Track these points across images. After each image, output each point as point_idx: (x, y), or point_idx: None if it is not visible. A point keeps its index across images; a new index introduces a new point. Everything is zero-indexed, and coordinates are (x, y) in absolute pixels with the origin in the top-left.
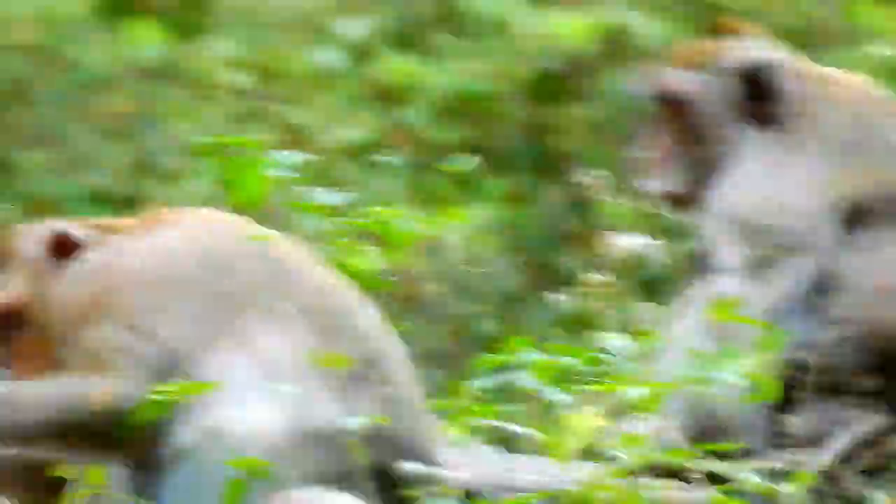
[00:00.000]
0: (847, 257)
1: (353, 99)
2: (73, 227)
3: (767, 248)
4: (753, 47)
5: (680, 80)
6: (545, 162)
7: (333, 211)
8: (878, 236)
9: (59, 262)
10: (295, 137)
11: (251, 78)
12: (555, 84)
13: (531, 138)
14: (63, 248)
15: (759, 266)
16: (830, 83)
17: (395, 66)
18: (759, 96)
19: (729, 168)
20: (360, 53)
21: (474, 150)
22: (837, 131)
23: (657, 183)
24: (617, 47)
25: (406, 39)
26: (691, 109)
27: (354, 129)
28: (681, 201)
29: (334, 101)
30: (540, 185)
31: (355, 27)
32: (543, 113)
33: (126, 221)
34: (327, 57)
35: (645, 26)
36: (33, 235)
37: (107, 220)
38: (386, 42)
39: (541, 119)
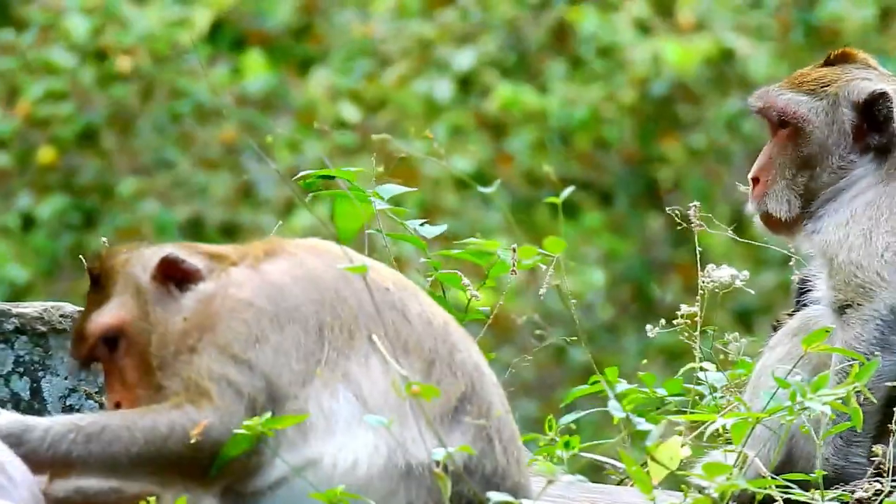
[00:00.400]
0: None
1: (460, 129)
2: (185, 254)
3: (850, 290)
4: (869, 77)
5: (795, 104)
6: (646, 191)
7: (432, 242)
8: None
9: (168, 289)
10: (400, 169)
11: (357, 109)
12: (661, 110)
13: (635, 167)
14: (173, 274)
15: (841, 304)
16: None
17: (504, 95)
18: (873, 127)
19: (835, 199)
20: (469, 83)
21: (578, 182)
22: None
23: (763, 206)
24: (723, 73)
25: (514, 68)
26: (804, 135)
27: (462, 160)
28: (784, 227)
29: (443, 131)
30: (638, 216)
31: (464, 57)
32: (648, 140)
33: (236, 250)
34: (437, 87)
35: (751, 51)
36: (143, 259)
37: (217, 247)
38: (495, 71)
39: (645, 146)
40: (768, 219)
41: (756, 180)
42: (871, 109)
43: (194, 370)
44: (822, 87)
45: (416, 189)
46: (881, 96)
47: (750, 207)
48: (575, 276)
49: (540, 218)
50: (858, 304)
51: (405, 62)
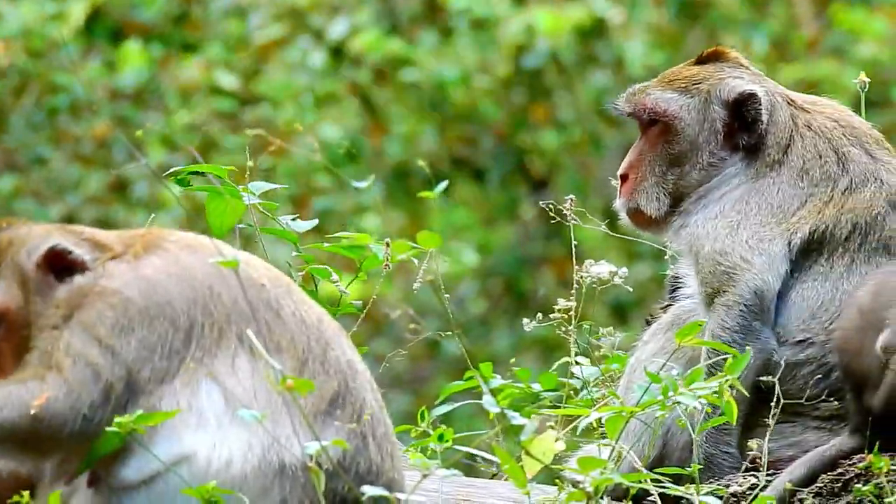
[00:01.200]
0: (807, 285)
1: (333, 98)
2: (72, 243)
3: (716, 280)
4: (741, 76)
5: (666, 102)
6: (518, 168)
7: (304, 237)
8: (837, 263)
9: (49, 279)
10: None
11: (235, 77)
12: (533, 82)
13: (507, 144)
14: (58, 264)
15: (711, 297)
16: (808, 111)
17: (368, 39)
18: (742, 127)
19: (705, 196)
20: (343, 51)
21: (453, 159)
22: (810, 162)
23: (633, 203)
24: (595, 50)
25: (387, 38)
26: (675, 132)
27: (335, 128)
28: (653, 223)
29: (316, 99)
30: (510, 193)
31: (338, 25)
32: (520, 115)
33: (120, 240)
34: (310, 55)
35: (622, 19)
36: (29, 245)
37: (102, 235)
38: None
39: (517, 122)
40: (637, 215)
41: (625, 177)
42: (741, 109)
43: (54, 344)
44: (693, 84)
45: (285, 186)
46: (751, 97)
47: (618, 204)
48: (448, 255)
49: (415, 187)
50: (723, 292)
51: (278, 26)
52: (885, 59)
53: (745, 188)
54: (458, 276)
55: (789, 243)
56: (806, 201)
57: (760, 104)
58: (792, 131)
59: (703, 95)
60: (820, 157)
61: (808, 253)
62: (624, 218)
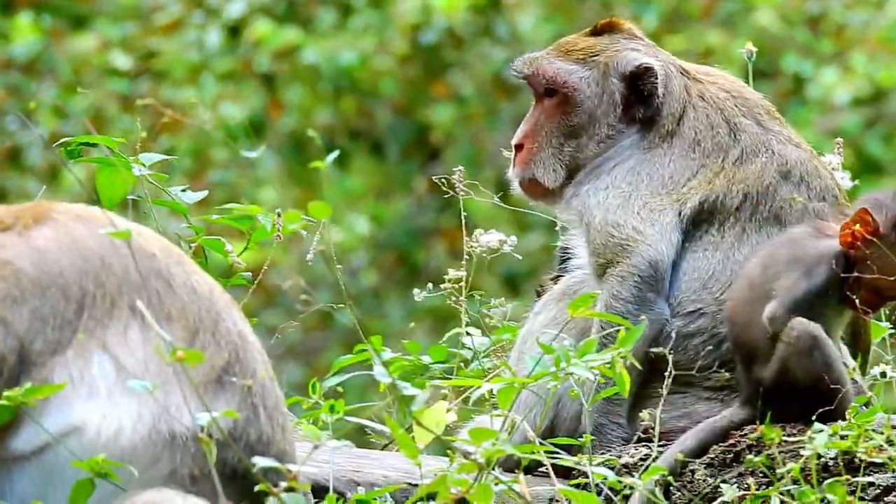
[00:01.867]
0: (698, 255)
1: (231, 76)
2: None
3: (609, 251)
4: (637, 48)
5: (566, 73)
6: (416, 140)
7: (196, 207)
8: (729, 233)
9: None
10: (168, 123)
11: (129, 58)
12: (430, 58)
13: (405, 117)
14: None
15: (603, 267)
16: (701, 82)
17: (269, 33)
18: (639, 100)
19: (597, 166)
20: (239, 30)
21: (349, 130)
22: (702, 133)
23: (527, 173)
24: (490, 24)
25: (285, 16)
26: (573, 104)
27: (233, 108)
28: (547, 194)
29: (212, 80)
30: (408, 166)
31: (235, 5)
32: (418, 90)
33: (9, 212)
34: (206, 35)
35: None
36: None
37: None
38: (265, 18)
39: (415, 96)
40: (532, 186)
41: (520, 147)
42: (637, 82)
43: None
44: (591, 56)
45: (176, 158)
46: (647, 70)
47: (512, 174)
48: (342, 226)
49: (311, 159)
50: (617, 262)
51: (175, 5)
52: (776, 30)
53: (638, 159)
54: (352, 248)
55: (680, 213)
56: (697, 172)
57: (657, 77)
58: (685, 102)
59: (601, 68)
60: (712, 127)
61: (699, 223)
62: (517, 188)
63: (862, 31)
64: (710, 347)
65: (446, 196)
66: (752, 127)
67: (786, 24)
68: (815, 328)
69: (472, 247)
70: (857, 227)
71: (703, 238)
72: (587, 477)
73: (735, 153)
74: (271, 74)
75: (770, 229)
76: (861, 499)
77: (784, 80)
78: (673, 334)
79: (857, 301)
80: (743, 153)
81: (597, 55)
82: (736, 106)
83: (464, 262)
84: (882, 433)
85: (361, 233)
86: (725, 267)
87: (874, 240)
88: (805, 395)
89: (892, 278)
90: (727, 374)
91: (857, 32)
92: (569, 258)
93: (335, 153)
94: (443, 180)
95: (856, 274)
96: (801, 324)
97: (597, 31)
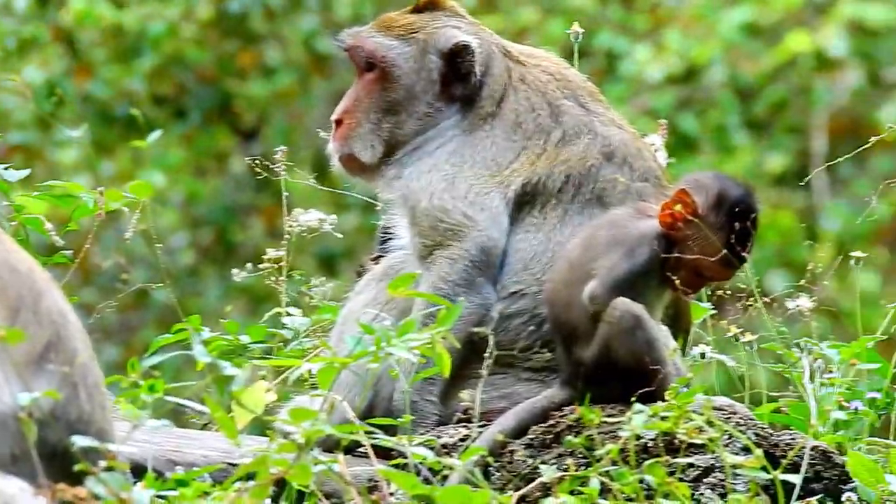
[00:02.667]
0: (519, 237)
1: (36, 41)
2: None
3: (437, 235)
4: (458, 26)
5: (385, 48)
6: (220, 108)
7: (11, 186)
8: (551, 214)
9: None
10: None
11: None
12: (238, 26)
13: (210, 85)
14: None
15: (429, 249)
16: (524, 64)
17: (84, 13)
18: (457, 78)
19: (418, 146)
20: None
21: (157, 99)
22: (523, 115)
23: (345, 148)
24: None
25: None
26: (392, 79)
27: (36, 72)
28: (365, 170)
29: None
30: (212, 133)
31: None
32: (225, 58)
33: None
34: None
35: None
36: None
37: None
38: None
39: (222, 64)
40: (350, 161)
41: (339, 122)
42: (455, 60)
43: None
44: (411, 33)
45: None
46: (464, 49)
47: (331, 148)
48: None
49: (119, 128)
50: (447, 245)
51: None
52: (590, 9)
53: (460, 140)
54: (170, 227)
55: (505, 196)
56: (519, 154)
57: (474, 56)
58: (506, 84)
59: (420, 44)
60: (533, 109)
61: (522, 205)
62: (336, 164)
63: (675, 9)
64: (532, 328)
65: (263, 176)
66: (574, 109)
67: (600, 1)
68: (638, 308)
69: (291, 226)
70: (678, 207)
71: (526, 220)
72: (406, 457)
73: (557, 134)
74: (76, 40)
75: (592, 210)
76: (680, 480)
77: (598, 58)
78: (494, 315)
79: (677, 282)
80: (565, 135)
81: (416, 32)
82: (558, 88)
83: (284, 242)
84: (702, 414)
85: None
86: (547, 248)
87: (694, 221)
88: (626, 376)
89: (712, 259)
90: (548, 355)
91: (671, 10)
92: (390, 238)
93: (157, 132)
94: (258, 162)
95: (676, 255)
96: (623, 303)
97: (419, 8)
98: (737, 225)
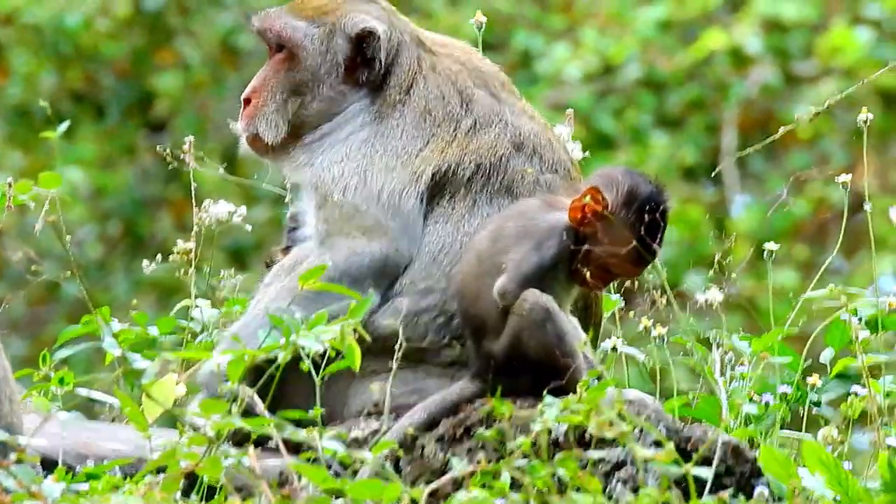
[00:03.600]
0: (429, 228)
1: None
2: None
3: (345, 225)
4: (368, 10)
5: (291, 28)
6: (138, 104)
7: None
8: (460, 205)
9: None
10: None
11: None
12: (155, 23)
13: (128, 81)
14: None
15: (336, 238)
16: (435, 54)
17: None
18: (364, 63)
19: (331, 134)
20: None
21: (74, 95)
22: (433, 103)
23: (252, 128)
24: None
25: None
26: (297, 60)
27: None
28: (271, 151)
29: None
30: (131, 128)
31: None
32: (141, 54)
33: None
34: None
35: None
36: None
37: None
38: None
39: (139, 60)
40: (256, 141)
41: (248, 101)
42: (362, 45)
43: None
44: (321, 14)
45: None
46: (370, 34)
47: (238, 128)
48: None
49: (37, 125)
50: (353, 236)
51: None
52: (505, 8)
53: (370, 130)
54: (78, 220)
55: (419, 193)
56: (429, 141)
57: (380, 42)
58: (416, 73)
59: (328, 27)
60: (443, 98)
61: (432, 196)
62: (243, 143)
63: (591, 6)
64: (441, 323)
65: (172, 167)
66: (485, 98)
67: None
68: (548, 300)
69: (200, 218)
70: (588, 200)
71: (435, 210)
72: (317, 451)
73: (467, 123)
74: None
75: (501, 201)
76: (592, 474)
77: (513, 56)
78: (403, 309)
79: (586, 276)
80: (476, 123)
81: (327, 14)
82: (470, 77)
83: (193, 234)
84: (613, 408)
85: (76, 183)
86: (455, 239)
87: (604, 216)
88: (536, 369)
89: (621, 254)
90: (458, 350)
91: (587, 7)
92: (297, 228)
93: (65, 123)
94: (168, 152)
95: (585, 247)
96: (533, 295)
97: None
98: (646, 221)
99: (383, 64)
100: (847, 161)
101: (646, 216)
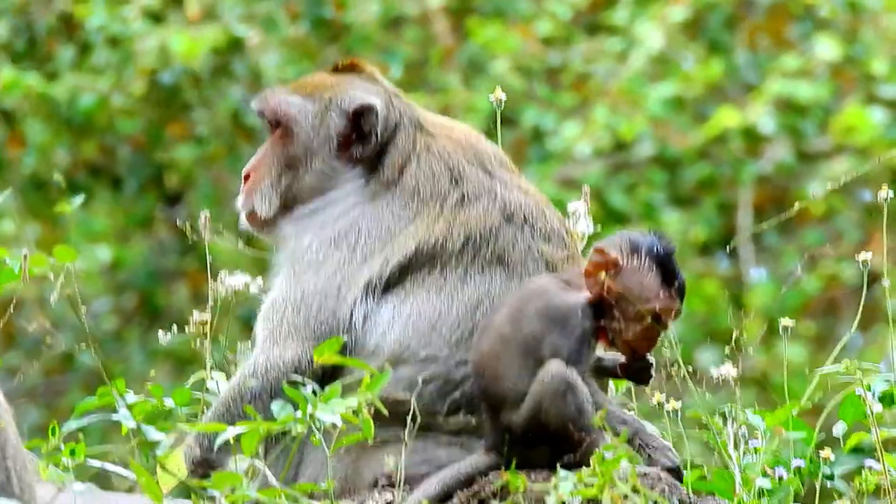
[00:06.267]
0: (421, 298)
1: None
2: None
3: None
4: (367, 89)
5: (287, 104)
6: (155, 177)
7: None
8: (452, 275)
9: None
10: None
11: None
12: (170, 97)
13: (144, 153)
14: None
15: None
16: (433, 135)
17: (7, 78)
18: (359, 139)
19: (315, 207)
20: None
21: (91, 168)
22: (422, 182)
23: (249, 204)
24: (229, 63)
25: (24, 54)
26: (292, 135)
27: None
28: (265, 225)
29: None
30: (147, 200)
31: None
32: (157, 128)
33: None
34: None
35: (259, 40)
36: None
37: None
38: (4, 55)
39: (155, 133)
40: (251, 217)
41: (247, 177)
42: (359, 120)
43: None
44: (319, 91)
45: None
46: (369, 109)
47: (238, 204)
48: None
49: (52, 196)
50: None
51: None
52: (516, 85)
53: (360, 210)
54: (93, 293)
55: (380, 277)
56: (414, 218)
57: (377, 117)
58: (410, 153)
59: (324, 102)
60: (434, 176)
61: (419, 268)
62: (242, 220)
63: (602, 84)
64: (447, 391)
65: (190, 240)
66: (476, 174)
67: (525, 76)
68: (570, 372)
69: (216, 290)
70: (596, 258)
71: (426, 281)
72: None
73: (455, 197)
74: (10, 111)
75: (493, 270)
76: None
77: (524, 133)
78: (420, 380)
79: (630, 339)
80: (464, 197)
81: (324, 91)
82: (464, 156)
83: (209, 305)
84: (627, 481)
85: (102, 260)
86: (450, 308)
87: (617, 268)
88: (554, 440)
89: (650, 297)
90: (464, 418)
91: (598, 85)
92: None
93: (80, 197)
94: (185, 225)
95: (617, 311)
96: (556, 365)
97: (336, 69)
98: (657, 256)
99: (379, 141)
100: (860, 238)
101: (655, 256)
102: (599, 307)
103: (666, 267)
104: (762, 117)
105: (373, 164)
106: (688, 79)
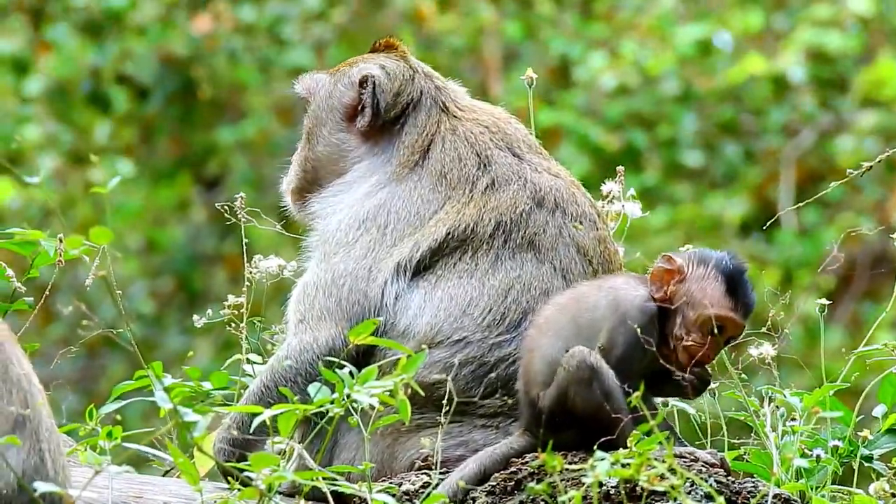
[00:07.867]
0: (452, 283)
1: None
2: None
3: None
4: (384, 64)
5: (311, 80)
6: (183, 89)
7: None
8: (483, 260)
9: None
10: None
11: None
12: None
13: (173, 65)
14: None
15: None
16: (459, 118)
17: None
18: (361, 108)
19: (349, 191)
20: None
21: (120, 79)
22: (448, 165)
23: (285, 182)
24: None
25: None
26: (308, 108)
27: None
28: (294, 201)
29: None
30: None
31: None
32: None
33: None
34: None
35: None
36: None
37: None
38: None
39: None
40: (287, 193)
41: (290, 159)
42: (361, 91)
43: None
44: (342, 67)
45: None
46: (371, 78)
47: (283, 186)
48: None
49: (80, 111)
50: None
51: None
52: (547, 12)
53: (388, 191)
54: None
55: (405, 262)
56: (444, 204)
57: (377, 89)
58: (433, 134)
59: (339, 75)
60: (460, 160)
61: (450, 253)
62: (286, 200)
63: (633, 19)
64: (481, 374)
65: (228, 223)
66: (505, 158)
67: (557, 5)
68: (596, 358)
69: (252, 273)
70: (663, 264)
71: (458, 266)
72: None
73: (484, 182)
74: (40, 10)
75: (524, 255)
76: None
77: (552, 62)
78: (456, 362)
79: (692, 348)
80: (494, 182)
81: (348, 66)
82: (491, 140)
83: (245, 288)
84: (664, 461)
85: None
86: (482, 293)
87: (682, 276)
88: (582, 425)
89: (714, 305)
90: (499, 401)
91: (628, 20)
92: None
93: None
94: (225, 207)
95: (680, 318)
96: (580, 353)
97: (373, 49)
98: (725, 272)
99: (380, 109)
100: (879, 195)
101: (723, 267)
102: (664, 313)
103: (732, 280)
104: (791, 66)
105: (390, 142)
106: (723, 22)
